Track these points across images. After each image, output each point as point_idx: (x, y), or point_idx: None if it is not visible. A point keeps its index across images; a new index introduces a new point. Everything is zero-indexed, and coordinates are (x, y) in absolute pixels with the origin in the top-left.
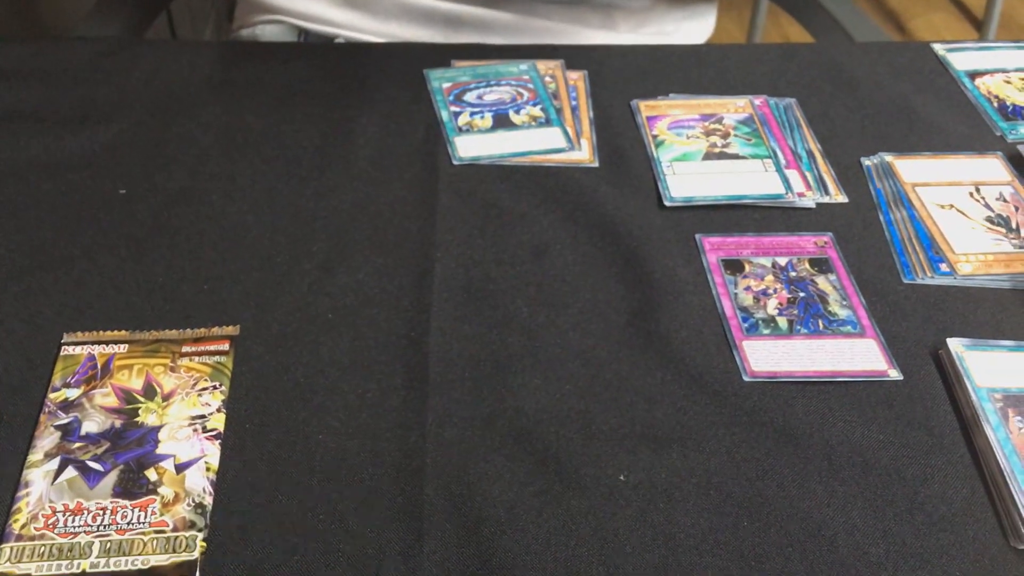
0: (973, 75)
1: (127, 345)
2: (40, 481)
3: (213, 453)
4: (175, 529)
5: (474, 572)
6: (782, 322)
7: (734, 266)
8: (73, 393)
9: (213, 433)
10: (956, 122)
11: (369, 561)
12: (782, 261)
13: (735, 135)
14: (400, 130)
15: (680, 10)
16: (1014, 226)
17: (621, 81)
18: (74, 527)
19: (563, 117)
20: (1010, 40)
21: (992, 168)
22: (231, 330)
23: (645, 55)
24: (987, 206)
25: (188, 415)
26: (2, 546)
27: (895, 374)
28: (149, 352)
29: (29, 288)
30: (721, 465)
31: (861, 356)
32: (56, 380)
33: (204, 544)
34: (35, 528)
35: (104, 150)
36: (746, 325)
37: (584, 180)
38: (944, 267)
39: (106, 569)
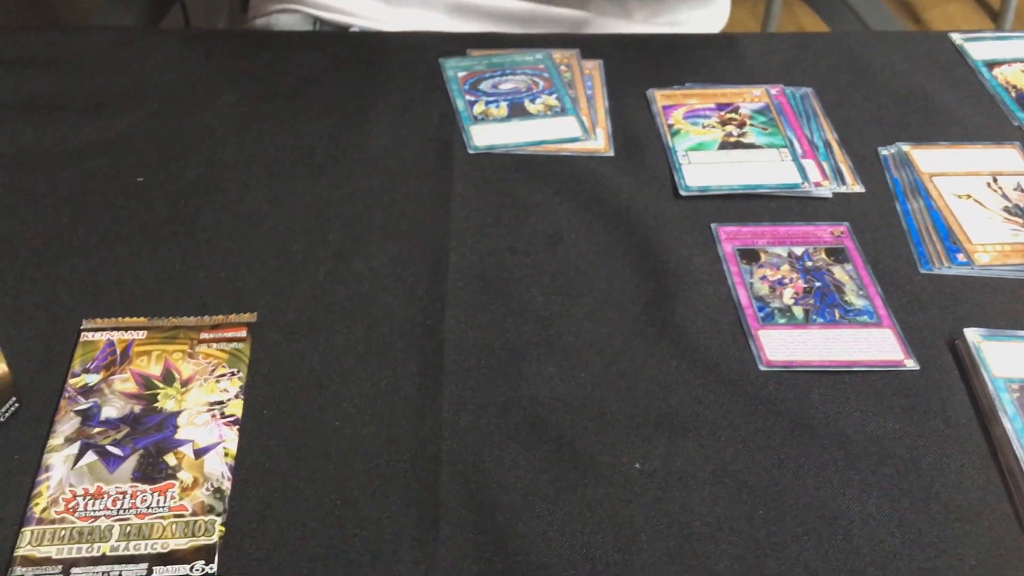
0: (991, 65)
1: (146, 331)
2: (60, 465)
3: (231, 439)
4: (194, 513)
5: (489, 558)
6: (798, 311)
7: (750, 255)
8: (93, 379)
9: (231, 419)
10: (974, 112)
11: (385, 546)
12: (798, 251)
13: (751, 124)
14: (415, 119)
15: None
16: None
17: (637, 70)
18: (94, 511)
19: (578, 106)
20: None
21: (1010, 158)
22: (248, 317)
23: (661, 44)
24: (1005, 196)
25: (206, 401)
26: (23, 529)
27: (912, 364)
28: (167, 338)
29: (48, 275)
30: (737, 454)
31: (877, 346)
32: (76, 366)
33: (223, 528)
34: (55, 512)
35: (120, 139)
36: (762, 314)
37: (599, 169)
38: (961, 257)
39: (126, 552)
